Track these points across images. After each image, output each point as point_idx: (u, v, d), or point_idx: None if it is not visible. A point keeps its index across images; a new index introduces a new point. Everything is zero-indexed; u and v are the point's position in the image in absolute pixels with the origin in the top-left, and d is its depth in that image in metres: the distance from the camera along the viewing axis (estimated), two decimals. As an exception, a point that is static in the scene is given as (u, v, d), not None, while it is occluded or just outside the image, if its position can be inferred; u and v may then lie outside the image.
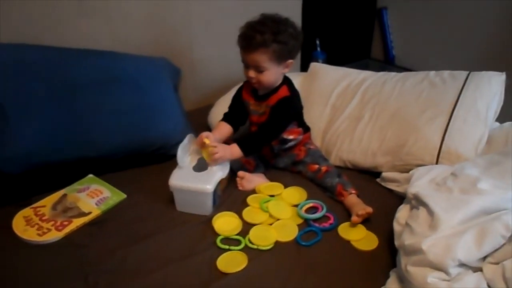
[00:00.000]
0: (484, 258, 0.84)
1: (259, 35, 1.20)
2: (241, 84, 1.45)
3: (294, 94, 1.35)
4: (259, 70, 1.25)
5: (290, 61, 1.29)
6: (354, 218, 1.16)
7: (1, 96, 1.23)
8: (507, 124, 1.37)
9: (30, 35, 1.41)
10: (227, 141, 1.37)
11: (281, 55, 1.24)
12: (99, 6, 1.55)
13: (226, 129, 1.39)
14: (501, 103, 1.38)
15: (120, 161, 1.41)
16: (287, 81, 1.36)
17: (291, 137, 1.39)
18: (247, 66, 1.27)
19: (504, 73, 1.41)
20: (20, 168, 1.25)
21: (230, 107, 1.44)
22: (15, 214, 1.19)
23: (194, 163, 1.28)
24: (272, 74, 1.27)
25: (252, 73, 1.26)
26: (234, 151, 1.27)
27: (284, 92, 1.33)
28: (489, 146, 1.29)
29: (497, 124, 1.40)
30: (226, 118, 1.42)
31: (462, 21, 2.26)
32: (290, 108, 1.34)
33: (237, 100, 1.43)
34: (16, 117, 1.24)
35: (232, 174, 1.34)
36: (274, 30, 1.21)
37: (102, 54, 1.45)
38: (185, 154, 1.28)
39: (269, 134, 1.32)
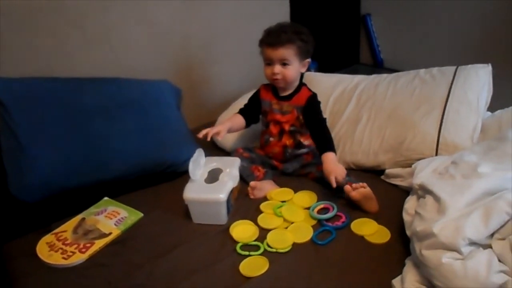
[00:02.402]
0: (492, 235, 0.90)
1: (284, 33, 1.35)
2: (257, 89, 1.55)
3: (315, 94, 1.48)
4: (285, 63, 1.37)
5: (307, 60, 1.43)
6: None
7: (16, 127, 1.28)
8: (498, 112, 1.44)
9: (38, 68, 1.48)
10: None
11: (303, 52, 1.39)
12: (101, 36, 1.62)
13: (240, 120, 1.49)
14: (491, 93, 1.46)
15: (133, 182, 1.45)
16: (304, 83, 1.49)
17: (306, 142, 1.47)
18: (271, 63, 1.39)
19: (489, 64, 1.50)
20: (38, 196, 1.29)
21: (247, 105, 1.54)
22: (38, 241, 1.22)
23: (205, 176, 1.33)
24: (295, 69, 1.39)
25: (277, 69, 1.37)
26: (333, 157, 1.34)
27: (307, 91, 1.46)
28: (483, 135, 1.36)
29: (489, 113, 1.48)
30: (242, 112, 1.52)
31: (443, 20, 2.37)
32: (319, 104, 1.47)
33: (254, 100, 1.53)
34: (31, 146, 1.28)
35: (242, 182, 1.40)
36: (295, 30, 1.37)
37: (108, 81, 1.51)
38: (196, 168, 1.33)
39: (326, 126, 1.44)
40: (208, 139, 1.38)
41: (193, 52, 1.92)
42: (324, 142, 1.39)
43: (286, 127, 1.46)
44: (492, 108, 1.49)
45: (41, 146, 1.30)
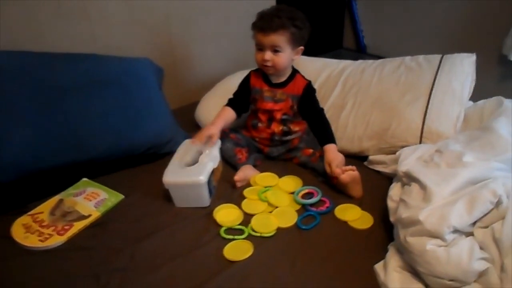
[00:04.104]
0: (474, 223, 0.92)
1: (277, 18, 1.28)
2: (247, 73, 1.49)
3: (311, 81, 1.44)
4: (276, 50, 1.31)
5: (301, 47, 1.37)
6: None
7: (-14, 105, 1.21)
8: (480, 102, 1.46)
9: (9, 40, 1.39)
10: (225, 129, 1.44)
11: (296, 39, 1.33)
12: (78, 8, 1.54)
13: (231, 115, 1.43)
14: (474, 82, 1.47)
15: (112, 163, 1.41)
16: (297, 70, 1.44)
17: (296, 128, 1.45)
18: (262, 49, 1.33)
19: (474, 54, 1.51)
20: (12, 175, 1.24)
21: (236, 94, 1.48)
22: (12, 222, 1.18)
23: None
24: (286, 56, 1.34)
25: (268, 55, 1.32)
26: (334, 148, 1.33)
27: (302, 79, 1.42)
28: (465, 124, 1.38)
29: (471, 103, 1.50)
30: (232, 103, 1.46)
31: (428, 7, 2.37)
32: (315, 93, 1.44)
33: (244, 87, 1.47)
34: (4, 124, 1.22)
35: (225, 164, 1.39)
36: (290, 16, 1.30)
37: (86, 57, 1.44)
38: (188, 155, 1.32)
39: (325, 116, 1.42)
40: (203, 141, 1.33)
41: (175, 30, 1.86)
42: (325, 134, 1.37)
43: (278, 115, 1.42)
44: (474, 98, 1.51)
45: (13, 124, 1.23)
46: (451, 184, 0.95)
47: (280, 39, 1.30)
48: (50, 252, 1.10)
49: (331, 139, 1.35)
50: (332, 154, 1.30)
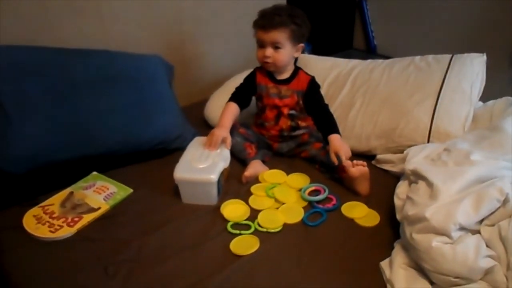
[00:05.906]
0: (481, 221, 0.92)
1: (277, 16, 1.32)
2: (251, 70, 1.50)
3: (314, 76, 1.46)
4: (277, 47, 1.34)
5: (301, 45, 1.40)
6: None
7: (2, 97, 1.24)
8: (490, 102, 1.45)
9: (23, 36, 1.42)
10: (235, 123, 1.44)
11: (296, 36, 1.36)
12: (91, 6, 1.57)
13: (236, 111, 1.44)
14: (484, 83, 1.47)
15: (122, 157, 1.43)
16: (300, 67, 1.46)
17: (304, 124, 1.47)
18: (263, 45, 1.35)
19: (484, 54, 1.50)
20: (24, 168, 1.27)
21: (240, 88, 1.49)
22: (24, 213, 1.20)
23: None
24: (287, 53, 1.36)
25: (269, 52, 1.35)
26: (339, 137, 1.35)
27: (305, 75, 1.44)
28: (475, 124, 1.38)
29: (481, 103, 1.49)
30: (235, 98, 1.46)
31: (438, 8, 2.36)
32: (320, 88, 1.47)
33: (249, 83, 1.48)
34: (18, 117, 1.25)
35: (232, 159, 1.39)
36: (290, 13, 1.33)
37: (98, 53, 1.46)
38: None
39: (330, 111, 1.44)
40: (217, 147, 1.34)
41: (186, 27, 1.88)
42: (330, 126, 1.38)
43: (285, 111, 1.44)
44: (483, 98, 1.50)
45: (27, 117, 1.26)
46: (458, 182, 0.95)
47: (280, 35, 1.33)
48: (60, 243, 1.13)
49: (335, 130, 1.36)
50: (338, 142, 1.31)
